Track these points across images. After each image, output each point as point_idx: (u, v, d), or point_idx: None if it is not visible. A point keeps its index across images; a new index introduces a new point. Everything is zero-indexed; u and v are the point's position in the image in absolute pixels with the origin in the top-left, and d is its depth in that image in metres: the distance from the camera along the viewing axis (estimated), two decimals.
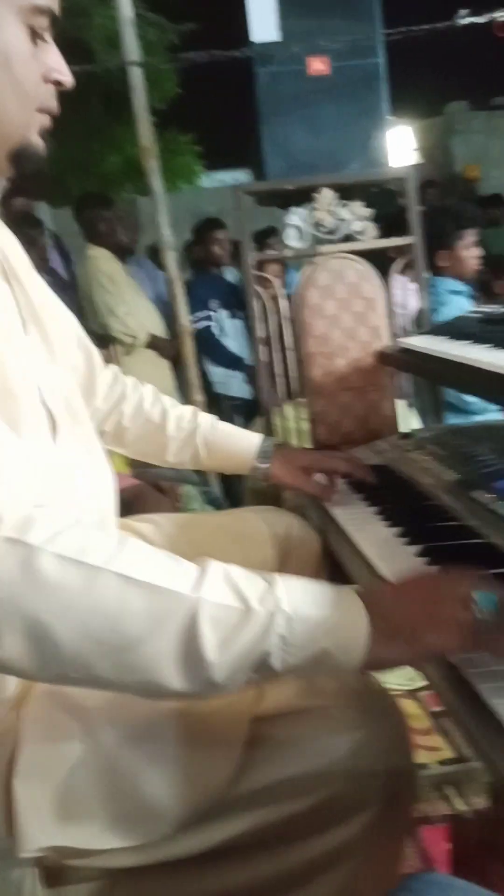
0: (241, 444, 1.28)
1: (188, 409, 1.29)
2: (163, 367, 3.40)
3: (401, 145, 7.78)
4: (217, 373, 3.66)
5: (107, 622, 0.64)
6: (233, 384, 3.69)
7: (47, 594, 0.63)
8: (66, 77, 0.87)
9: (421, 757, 1.62)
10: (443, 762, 1.55)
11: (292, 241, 1.65)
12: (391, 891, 0.53)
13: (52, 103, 0.87)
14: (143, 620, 0.64)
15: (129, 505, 2.02)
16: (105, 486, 0.98)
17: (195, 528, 1.22)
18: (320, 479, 1.29)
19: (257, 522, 1.23)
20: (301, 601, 0.68)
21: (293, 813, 0.77)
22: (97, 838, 0.74)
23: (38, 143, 0.87)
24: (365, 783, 0.78)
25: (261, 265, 1.78)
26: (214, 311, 3.65)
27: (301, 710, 0.80)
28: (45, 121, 0.88)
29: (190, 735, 0.77)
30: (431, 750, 1.61)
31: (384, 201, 1.97)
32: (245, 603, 0.66)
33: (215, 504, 2.74)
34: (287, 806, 0.77)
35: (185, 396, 3.22)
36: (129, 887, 0.77)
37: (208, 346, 3.57)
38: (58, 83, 0.87)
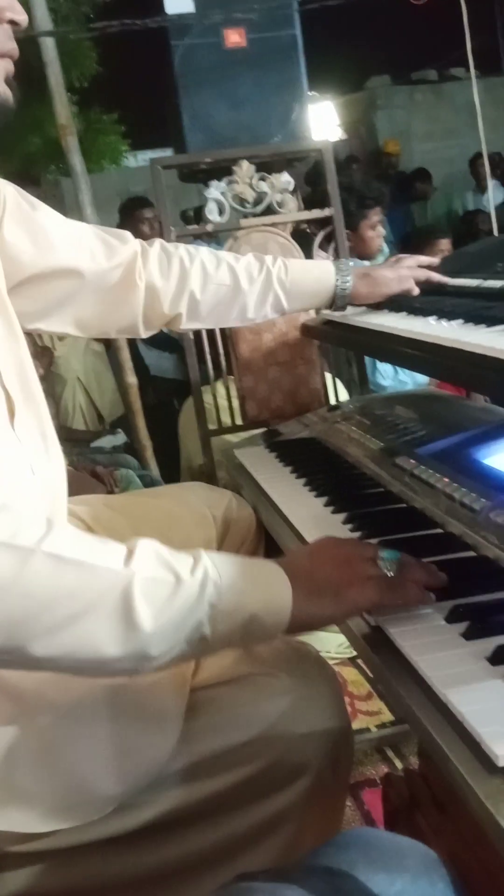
0: (315, 272, 1.24)
1: (252, 259, 1.22)
2: (97, 351, 3.35)
3: (324, 121, 7.78)
4: (150, 355, 3.62)
5: (41, 603, 0.64)
6: (167, 366, 3.65)
7: None
8: (20, 15, 0.80)
9: (362, 721, 1.66)
10: (382, 725, 1.59)
11: (213, 215, 1.64)
12: (318, 848, 0.54)
13: (10, 45, 0.81)
14: (77, 599, 0.64)
15: None
16: (58, 468, 0.96)
17: (133, 510, 1.20)
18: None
19: (195, 502, 1.22)
20: (227, 571, 0.69)
21: (234, 782, 0.78)
22: (37, 822, 0.73)
23: (3, 91, 0.81)
24: (303, 748, 0.79)
25: None
26: None
27: (236, 678, 0.81)
28: (9, 66, 0.82)
29: (127, 711, 0.77)
30: (371, 715, 1.65)
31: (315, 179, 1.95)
32: (176, 575, 0.67)
33: (154, 487, 2.72)
34: (228, 775, 0.78)
35: (118, 379, 3.18)
36: (71, 866, 0.77)
37: None
38: (13, 23, 0.80)
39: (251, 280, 1.20)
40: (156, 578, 0.66)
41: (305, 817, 0.81)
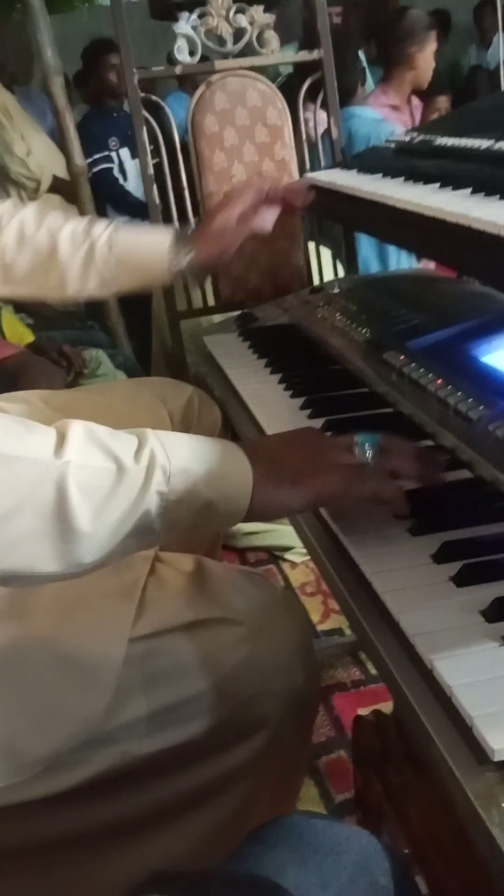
0: (148, 243, 1.08)
1: (81, 224, 1.06)
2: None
3: None
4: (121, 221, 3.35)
5: None
6: None
7: None
8: None
9: (334, 621, 1.61)
10: None
11: (183, 55, 1.39)
12: (244, 841, 0.45)
13: None
14: (1, 498, 0.53)
15: (14, 378, 1.83)
16: None
17: (76, 409, 1.06)
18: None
19: (150, 400, 1.09)
20: (178, 454, 0.59)
21: (179, 740, 0.69)
22: None
23: None
24: (261, 702, 0.70)
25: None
26: (114, 150, 3.26)
27: (185, 625, 0.70)
28: None
29: (56, 666, 0.67)
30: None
31: None
32: (118, 462, 0.56)
33: (127, 368, 2.56)
34: (171, 733, 0.69)
35: None
36: (5, 825, 0.69)
37: (109, 191, 3.22)
38: None
39: (73, 250, 1.04)
40: (94, 467, 0.55)
41: (260, 778, 0.73)
